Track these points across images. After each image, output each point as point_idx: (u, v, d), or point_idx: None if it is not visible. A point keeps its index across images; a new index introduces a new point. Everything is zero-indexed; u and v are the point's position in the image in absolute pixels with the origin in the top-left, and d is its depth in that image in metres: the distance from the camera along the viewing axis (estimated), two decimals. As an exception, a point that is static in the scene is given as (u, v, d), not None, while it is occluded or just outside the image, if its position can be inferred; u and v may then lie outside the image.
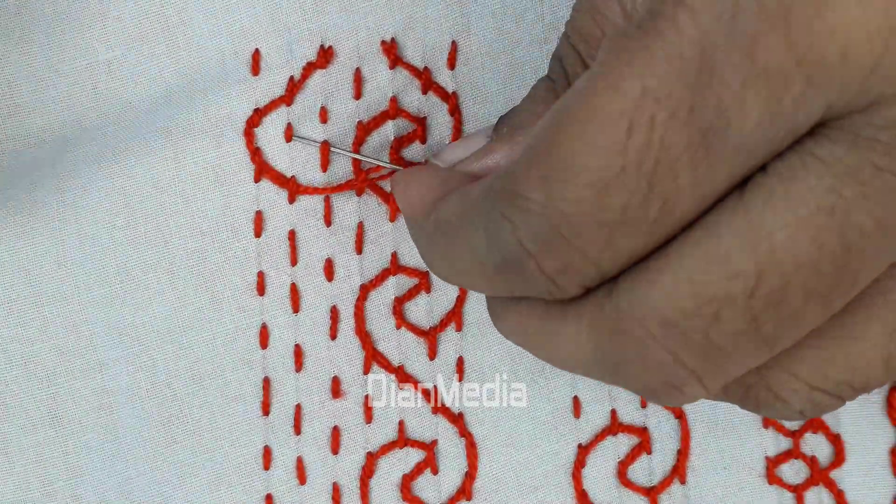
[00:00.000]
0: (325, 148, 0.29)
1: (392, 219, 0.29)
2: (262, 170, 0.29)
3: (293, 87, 0.29)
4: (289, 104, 0.29)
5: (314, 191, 0.29)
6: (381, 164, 0.28)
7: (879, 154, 0.18)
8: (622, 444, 0.30)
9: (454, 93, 0.29)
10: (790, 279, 0.18)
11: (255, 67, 0.29)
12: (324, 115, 0.29)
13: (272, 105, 0.29)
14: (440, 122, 0.29)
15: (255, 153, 0.29)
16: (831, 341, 0.20)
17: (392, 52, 0.29)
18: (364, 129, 0.29)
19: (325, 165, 0.29)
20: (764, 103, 0.18)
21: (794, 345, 0.20)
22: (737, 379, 0.21)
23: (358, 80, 0.29)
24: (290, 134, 0.29)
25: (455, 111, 0.29)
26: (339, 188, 0.29)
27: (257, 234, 0.29)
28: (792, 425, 0.30)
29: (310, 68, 0.29)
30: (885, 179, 0.18)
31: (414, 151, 0.29)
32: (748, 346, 0.19)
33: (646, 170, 0.18)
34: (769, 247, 0.18)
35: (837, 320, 0.20)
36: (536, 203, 0.19)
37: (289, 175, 0.29)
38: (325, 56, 0.29)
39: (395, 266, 0.29)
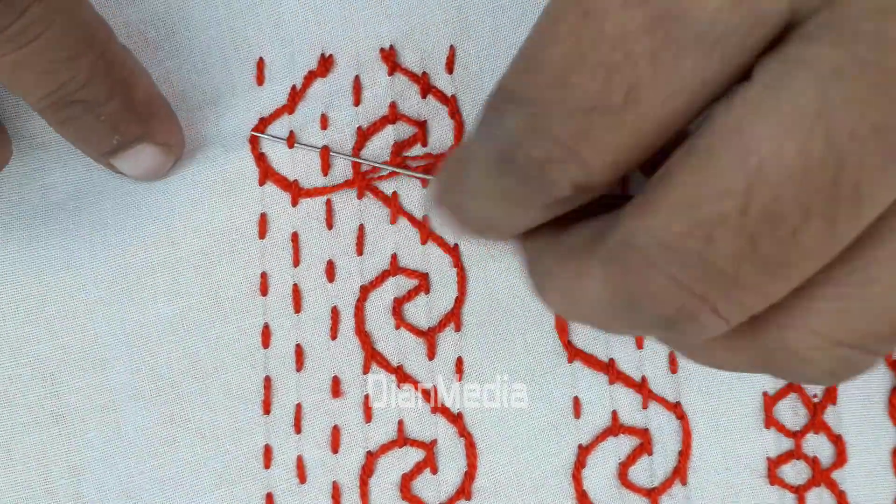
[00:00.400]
0: (326, 153, 0.29)
1: (392, 221, 0.30)
2: (267, 174, 0.30)
3: (295, 96, 0.30)
4: (291, 112, 0.30)
5: (316, 192, 0.30)
6: (379, 165, 0.29)
7: (866, 46, 0.16)
8: (623, 444, 0.30)
9: (453, 96, 0.30)
10: (781, 193, 0.17)
11: (260, 77, 0.30)
12: (324, 122, 0.30)
13: (276, 114, 0.30)
14: (440, 125, 0.30)
15: (260, 158, 0.30)
16: (847, 286, 0.19)
17: (391, 59, 0.30)
18: (364, 135, 0.30)
19: (325, 170, 0.30)
20: None
21: (809, 292, 0.19)
22: (760, 345, 0.20)
23: (357, 87, 0.30)
24: (292, 141, 0.30)
25: (455, 114, 0.30)
26: (339, 187, 0.29)
27: (261, 236, 0.30)
28: (794, 425, 0.30)
29: (311, 77, 0.30)
30: (876, 74, 0.16)
31: (415, 154, 0.30)
32: (752, 269, 0.18)
33: (602, 55, 0.18)
34: (757, 160, 0.17)
35: (850, 260, 0.18)
36: (515, 92, 0.19)
37: (292, 179, 0.30)
38: (326, 64, 0.30)
39: (395, 267, 0.30)
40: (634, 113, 0.18)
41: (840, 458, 0.30)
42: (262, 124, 0.30)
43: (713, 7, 0.17)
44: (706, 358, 0.22)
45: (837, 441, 0.30)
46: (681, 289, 0.18)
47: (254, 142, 0.30)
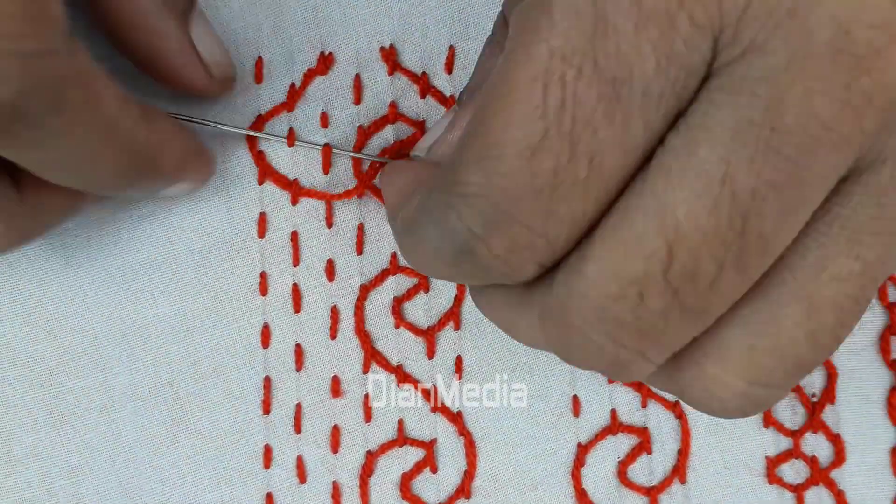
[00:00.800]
0: (328, 151, 0.29)
1: (391, 220, 0.30)
2: (266, 173, 0.29)
3: (294, 94, 0.30)
4: (290, 110, 0.30)
5: (316, 195, 0.29)
6: (381, 160, 0.29)
7: (758, 110, 0.18)
8: (622, 443, 0.30)
9: (452, 96, 0.30)
10: (699, 251, 0.19)
11: (259, 75, 0.30)
12: (324, 121, 0.30)
13: (274, 111, 0.30)
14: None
15: (259, 157, 0.29)
16: (754, 324, 0.20)
17: (391, 58, 0.30)
18: (364, 134, 0.30)
19: (326, 168, 0.30)
20: (657, 46, 0.18)
21: (721, 326, 0.20)
22: (673, 378, 0.22)
23: (357, 85, 0.30)
24: (292, 139, 0.29)
25: None
26: (340, 196, 0.29)
27: (260, 235, 0.29)
28: (792, 425, 0.30)
29: (310, 75, 0.30)
30: (766, 137, 0.18)
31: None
32: (678, 318, 0.19)
33: (565, 129, 0.19)
34: (674, 223, 0.18)
35: (757, 298, 0.20)
36: (475, 185, 0.20)
37: (291, 178, 0.30)
38: (326, 63, 0.30)
39: (395, 266, 0.30)
40: (598, 179, 0.19)
41: (839, 457, 0.30)
42: (261, 122, 0.30)
43: (653, 65, 0.18)
44: (515, 322, 0.23)
45: (836, 440, 0.30)
46: (616, 345, 0.20)
47: (251, 140, 0.30)
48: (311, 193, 0.29)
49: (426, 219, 0.21)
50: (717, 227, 0.18)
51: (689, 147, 0.18)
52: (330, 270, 0.30)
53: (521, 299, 0.22)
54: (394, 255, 0.30)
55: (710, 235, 0.18)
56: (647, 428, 0.30)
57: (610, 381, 0.30)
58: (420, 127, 0.30)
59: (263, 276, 0.29)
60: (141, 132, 0.24)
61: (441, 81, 0.30)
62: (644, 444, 0.30)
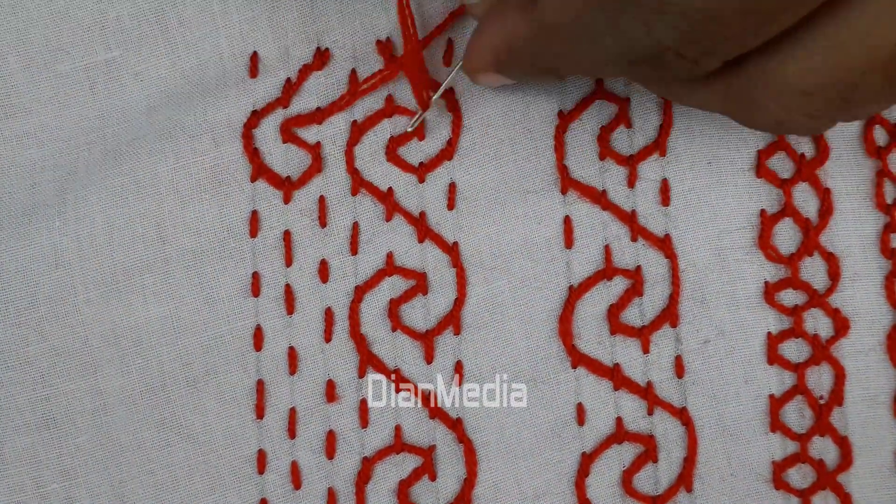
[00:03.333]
0: (317, 148, 0.28)
1: (388, 219, 0.29)
2: (259, 170, 0.29)
3: (290, 89, 0.29)
4: (286, 106, 0.29)
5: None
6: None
7: None
8: (627, 452, 0.29)
9: (451, 89, 0.29)
10: None
11: (254, 70, 0.29)
12: (319, 117, 0.29)
13: (269, 107, 0.29)
14: (438, 119, 0.29)
15: (254, 154, 0.29)
16: (812, 40, 0.20)
17: (387, 52, 0.29)
18: (359, 129, 0.29)
19: (318, 166, 0.29)
20: None
21: (776, 45, 0.21)
22: (729, 85, 0.22)
23: (353, 80, 0.29)
24: (286, 136, 0.29)
25: (453, 107, 0.29)
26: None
27: (252, 235, 0.29)
28: (799, 428, 0.29)
29: (306, 70, 0.29)
30: None
31: (412, 149, 0.29)
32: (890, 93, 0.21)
33: None
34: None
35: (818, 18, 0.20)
36: (673, 3, 0.19)
37: (284, 176, 0.29)
38: (322, 58, 0.29)
39: (391, 267, 0.29)
40: None
41: (845, 460, 0.29)
42: (256, 117, 0.29)
43: None
44: (685, 97, 0.24)
45: (843, 443, 0.29)
46: (811, 118, 0.22)
47: (247, 137, 0.29)
48: (301, 178, 0.29)
49: (592, 29, 0.21)
50: None
51: None
52: (324, 271, 0.29)
53: (693, 82, 0.23)
54: (390, 255, 0.29)
55: None
56: (653, 436, 0.29)
57: (616, 388, 0.29)
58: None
59: (255, 276, 0.29)
60: None
61: (440, 76, 0.29)
62: (650, 452, 0.29)
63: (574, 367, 0.29)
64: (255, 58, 0.29)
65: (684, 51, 0.20)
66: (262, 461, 0.29)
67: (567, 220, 0.29)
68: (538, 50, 0.24)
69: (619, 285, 0.29)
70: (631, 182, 0.29)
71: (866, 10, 0.19)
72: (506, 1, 0.25)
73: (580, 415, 0.29)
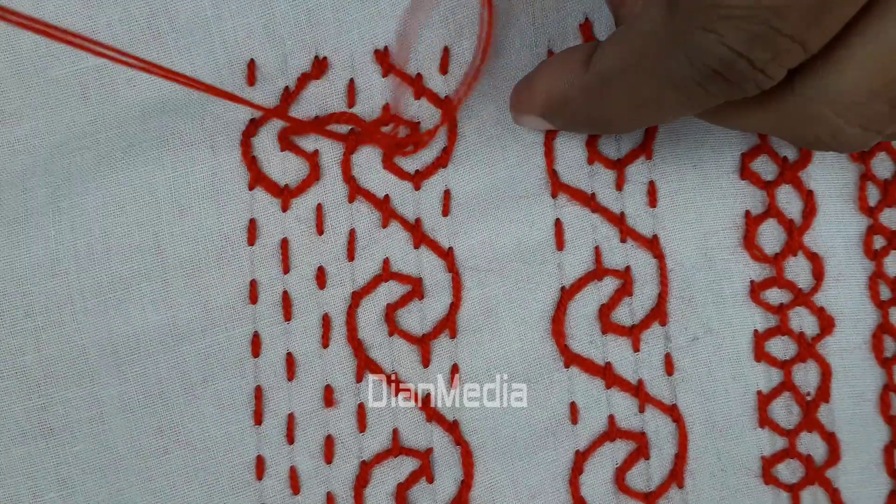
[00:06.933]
0: (315, 157, 0.29)
1: (384, 225, 0.29)
2: (257, 178, 0.29)
3: (288, 98, 0.29)
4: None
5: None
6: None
7: None
8: (620, 449, 0.30)
9: (447, 97, 0.29)
10: None
11: (251, 78, 0.29)
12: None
13: (267, 115, 0.29)
14: (433, 127, 0.29)
15: (252, 162, 0.29)
16: (859, 48, 0.21)
17: (385, 61, 0.29)
18: (356, 137, 0.29)
19: (316, 174, 0.29)
20: None
21: (829, 54, 0.21)
22: (784, 103, 0.23)
23: (351, 89, 0.29)
24: (284, 144, 0.29)
25: (450, 116, 0.29)
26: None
27: (250, 242, 0.29)
28: (787, 424, 0.30)
29: (304, 79, 0.29)
30: None
31: (408, 157, 0.30)
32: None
33: None
34: None
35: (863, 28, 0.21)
36: (740, 7, 0.20)
37: (282, 185, 0.29)
38: (320, 67, 0.29)
39: (388, 273, 0.29)
40: None
41: (833, 456, 0.30)
42: (254, 126, 0.29)
43: None
44: (740, 120, 0.24)
45: (830, 439, 0.30)
46: (864, 131, 0.22)
47: (245, 145, 0.29)
48: (299, 187, 0.29)
49: (656, 57, 0.22)
50: None
51: None
52: (321, 277, 0.29)
53: (747, 104, 0.23)
54: (386, 262, 0.29)
55: None
56: (644, 433, 0.29)
57: (608, 387, 0.29)
58: (415, 128, 0.29)
59: (253, 283, 0.29)
60: None
61: (436, 83, 0.29)
62: (642, 449, 0.29)
63: (567, 366, 0.29)
64: (252, 66, 0.29)
65: (754, 56, 0.21)
66: (260, 467, 0.29)
67: (558, 224, 0.29)
68: (594, 101, 0.25)
69: (609, 286, 0.30)
70: (619, 185, 0.30)
71: None
72: (568, 53, 0.26)
73: (573, 413, 0.29)
